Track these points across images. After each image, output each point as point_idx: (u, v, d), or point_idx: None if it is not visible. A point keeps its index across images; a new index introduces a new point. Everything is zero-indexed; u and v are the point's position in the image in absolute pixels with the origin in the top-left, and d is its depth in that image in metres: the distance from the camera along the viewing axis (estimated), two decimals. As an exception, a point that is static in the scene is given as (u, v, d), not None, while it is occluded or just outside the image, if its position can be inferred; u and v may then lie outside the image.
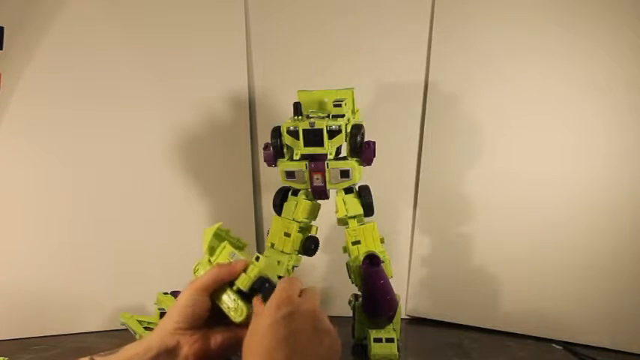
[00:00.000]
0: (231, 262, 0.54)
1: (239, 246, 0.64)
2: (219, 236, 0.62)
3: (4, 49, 0.88)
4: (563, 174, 0.85)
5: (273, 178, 0.79)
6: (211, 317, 0.54)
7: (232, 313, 0.55)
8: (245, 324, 0.53)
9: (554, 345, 0.85)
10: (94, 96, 0.94)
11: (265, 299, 0.53)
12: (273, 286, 0.54)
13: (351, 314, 0.81)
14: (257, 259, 0.57)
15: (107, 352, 0.51)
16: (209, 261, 0.61)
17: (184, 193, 0.98)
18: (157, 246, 0.97)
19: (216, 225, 0.62)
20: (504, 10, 0.88)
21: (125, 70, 0.95)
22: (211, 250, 0.61)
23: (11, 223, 0.93)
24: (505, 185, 0.89)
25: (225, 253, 0.60)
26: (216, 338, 0.53)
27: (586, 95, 0.83)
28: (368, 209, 0.74)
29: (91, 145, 0.95)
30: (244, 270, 0.55)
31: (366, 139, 0.73)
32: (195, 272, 0.62)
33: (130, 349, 0.51)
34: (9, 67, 0.90)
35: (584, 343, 0.83)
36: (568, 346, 0.83)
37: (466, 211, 0.91)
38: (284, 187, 0.78)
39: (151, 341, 0.51)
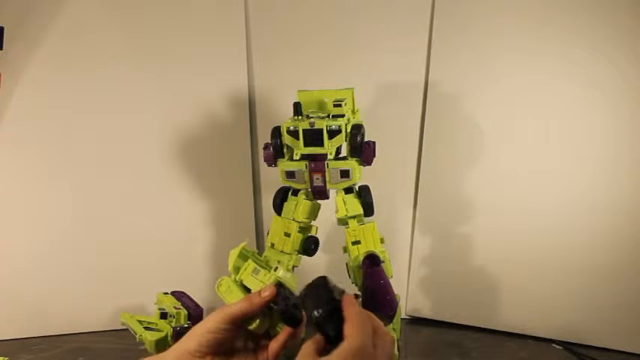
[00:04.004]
0: (260, 291, 0.52)
1: (264, 266, 0.65)
2: (244, 256, 0.63)
3: (4, 49, 0.88)
4: (562, 174, 0.85)
5: (273, 178, 0.78)
6: (234, 345, 0.53)
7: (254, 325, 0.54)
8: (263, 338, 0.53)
9: (554, 345, 0.85)
10: (94, 96, 0.94)
11: (284, 315, 0.51)
12: (290, 302, 0.51)
13: (351, 314, 0.81)
14: (275, 269, 0.57)
15: None
16: (234, 280, 0.61)
17: (184, 193, 0.98)
18: (157, 246, 0.97)
19: (241, 245, 0.62)
20: (504, 10, 0.88)
21: (125, 70, 0.95)
22: (236, 270, 0.62)
23: (11, 223, 0.93)
24: (505, 185, 0.89)
25: (249, 270, 0.60)
26: None
27: (585, 95, 0.83)
28: (368, 209, 0.74)
29: (90, 144, 0.95)
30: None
31: (366, 139, 0.73)
32: (218, 288, 0.62)
33: None
34: (9, 67, 0.90)
35: (584, 343, 0.83)
36: (568, 346, 0.83)
37: (466, 211, 0.91)
38: (284, 187, 0.78)
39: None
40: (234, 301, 0.55)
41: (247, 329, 0.53)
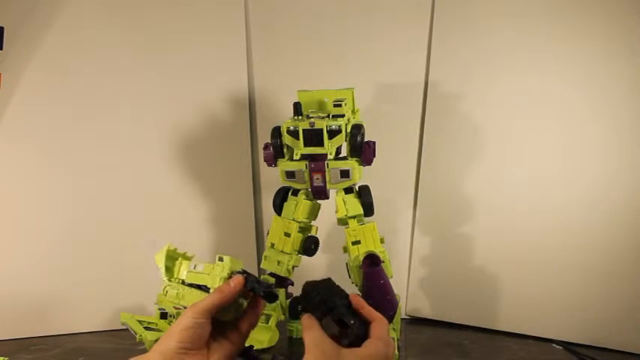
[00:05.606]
0: (229, 282, 0.56)
1: (189, 258, 0.67)
2: (171, 257, 0.64)
3: (4, 49, 0.88)
4: (562, 174, 0.85)
5: (273, 178, 0.79)
6: (211, 337, 0.55)
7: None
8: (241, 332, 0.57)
9: (554, 345, 0.85)
10: (93, 96, 0.94)
11: (266, 295, 0.57)
12: (264, 283, 0.57)
13: (351, 314, 0.81)
14: (220, 259, 0.60)
15: None
16: (174, 281, 0.64)
17: (184, 193, 0.98)
18: (157, 246, 0.97)
19: (165, 247, 0.64)
20: (504, 10, 0.88)
21: (125, 70, 0.95)
22: (169, 271, 0.64)
23: (11, 223, 0.93)
24: (505, 185, 0.89)
25: (186, 267, 0.63)
26: (219, 355, 0.54)
27: (586, 95, 0.83)
28: (368, 209, 0.74)
29: (90, 145, 0.95)
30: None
31: (366, 139, 0.73)
32: (165, 295, 0.63)
33: None
34: (9, 67, 0.90)
35: (584, 343, 0.83)
36: (568, 346, 0.83)
37: (466, 211, 0.91)
38: (284, 187, 0.78)
39: None
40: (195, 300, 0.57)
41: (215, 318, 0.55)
